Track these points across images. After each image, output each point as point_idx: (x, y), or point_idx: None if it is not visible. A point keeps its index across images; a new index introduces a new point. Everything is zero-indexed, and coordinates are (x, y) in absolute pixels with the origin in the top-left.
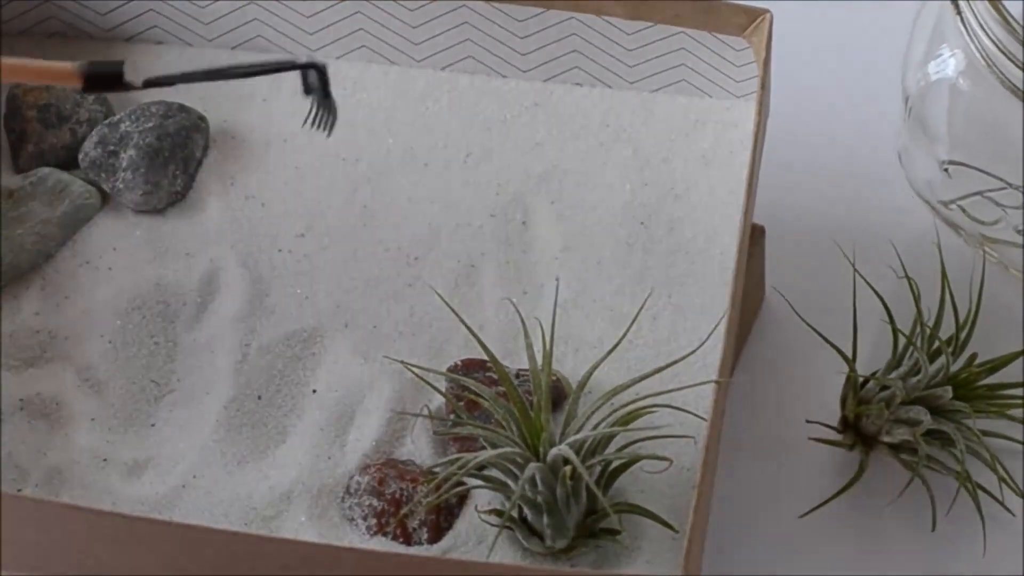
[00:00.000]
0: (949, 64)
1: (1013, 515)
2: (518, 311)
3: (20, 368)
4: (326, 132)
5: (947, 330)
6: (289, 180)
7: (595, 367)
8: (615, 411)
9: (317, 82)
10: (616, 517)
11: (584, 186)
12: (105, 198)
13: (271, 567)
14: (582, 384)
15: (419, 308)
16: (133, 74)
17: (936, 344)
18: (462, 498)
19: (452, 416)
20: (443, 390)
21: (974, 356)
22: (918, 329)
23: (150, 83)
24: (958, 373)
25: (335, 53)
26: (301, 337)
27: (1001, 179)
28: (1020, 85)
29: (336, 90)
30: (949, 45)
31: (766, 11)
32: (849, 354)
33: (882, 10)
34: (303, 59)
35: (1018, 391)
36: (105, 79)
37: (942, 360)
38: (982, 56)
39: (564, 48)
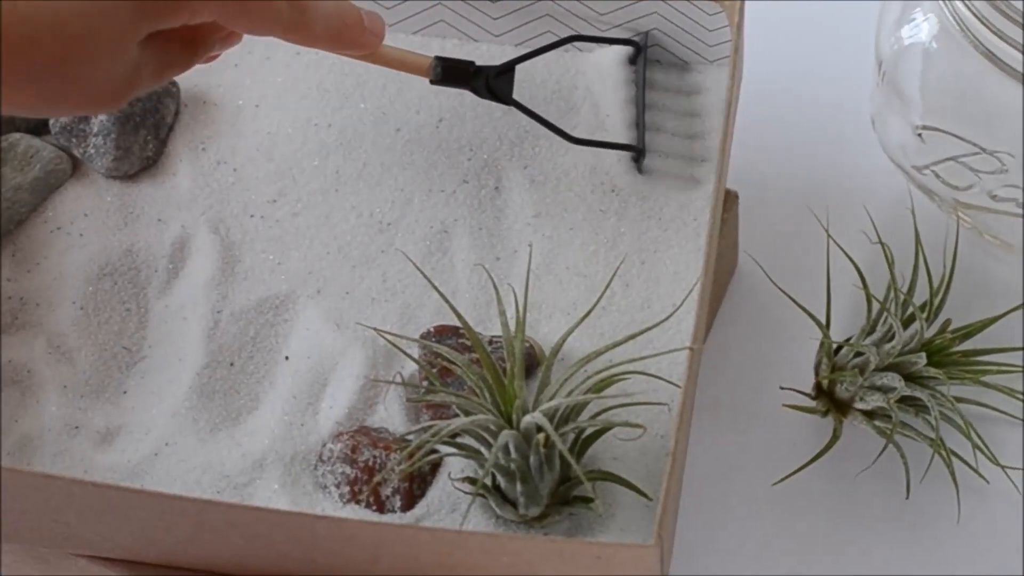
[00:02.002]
0: (922, 28)
1: (987, 482)
2: (491, 277)
3: None
4: None
5: (921, 296)
6: (261, 145)
7: (568, 334)
8: (588, 378)
9: None
10: (589, 484)
11: (557, 152)
12: (76, 164)
13: (244, 535)
14: (555, 351)
15: (392, 274)
16: None
17: (910, 310)
18: (435, 466)
19: (425, 383)
20: (416, 357)
21: (948, 322)
22: (892, 295)
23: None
24: (932, 339)
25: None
26: (273, 303)
27: (975, 144)
28: (993, 49)
29: (308, 54)
30: (922, 9)
31: None
32: (823, 320)
33: None
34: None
35: (992, 357)
36: (456, 74)
37: (916, 326)
38: (955, 20)
39: (535, 12)
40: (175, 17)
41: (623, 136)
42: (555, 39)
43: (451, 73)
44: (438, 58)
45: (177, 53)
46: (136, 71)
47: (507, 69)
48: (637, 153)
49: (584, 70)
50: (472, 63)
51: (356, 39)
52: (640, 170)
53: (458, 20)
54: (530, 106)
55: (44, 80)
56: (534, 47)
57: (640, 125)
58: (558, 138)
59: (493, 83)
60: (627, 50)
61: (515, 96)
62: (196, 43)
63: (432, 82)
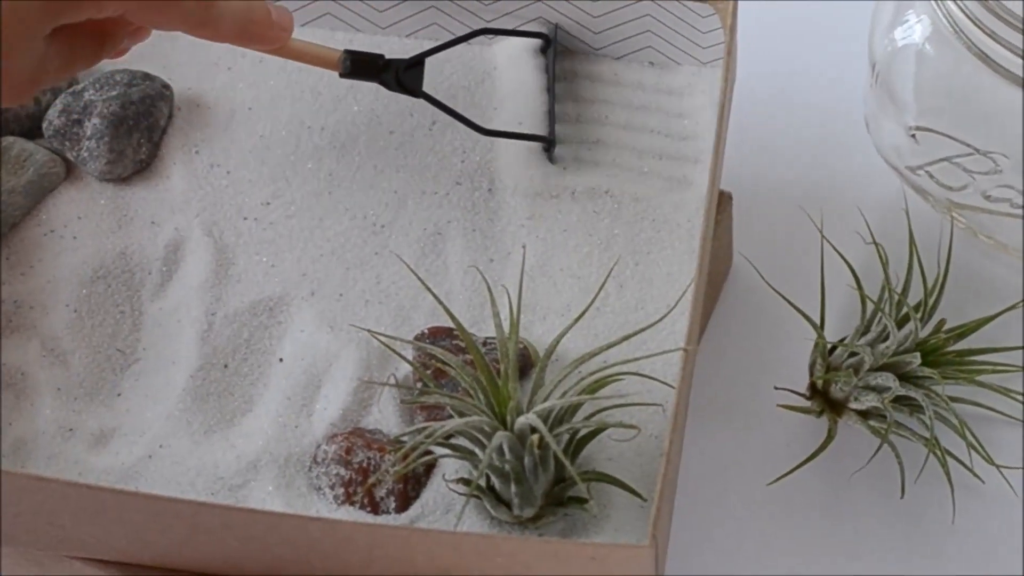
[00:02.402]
0: (916, 30)
1: (982, 481)
2: (485, 279)
3: None
4: None
5: (915, 296)
6: (254, 148)
7: (562, 335)
8: (582, 379)
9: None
10: (584, 485)
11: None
12: (69, 167)
13: (238, 537)
14: (549, 352)
15: (385, 276)
16: None
17: (904, 310)
18: (429, 467)
19: (419, 385)
20: (410, 359)
21: (942, 322)
22: (886, 295)
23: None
24: (926, 339)
25: (299, 20)
26: (267, 306)
27: (968, 144)
28: (986, 51)
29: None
30: (915, 11)
31: None
32: (817, 320)
33: None
34: None
35: (986, 357)
36: (366, 67)
37: (910, 326)
38: (948, 22)
39: (529, 15)
40: (81, 12)
41: (538, 127)
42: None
43: (361, 66)
44: (347, 51)
45: (84, 47)
46: (42, 65)
47: (417, 62)
48: (548, 144)
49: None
50: (381, 56)
51: (264, 34)
52: (551, 160)
53: (449, 21)
54: (441, 99)
55: None
56: (526, 48)
57: (551, 115)
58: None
59: (403, 76)
60: (536, 42)
61: (426, 89)
62: (103, 38)
63: (341, 75)
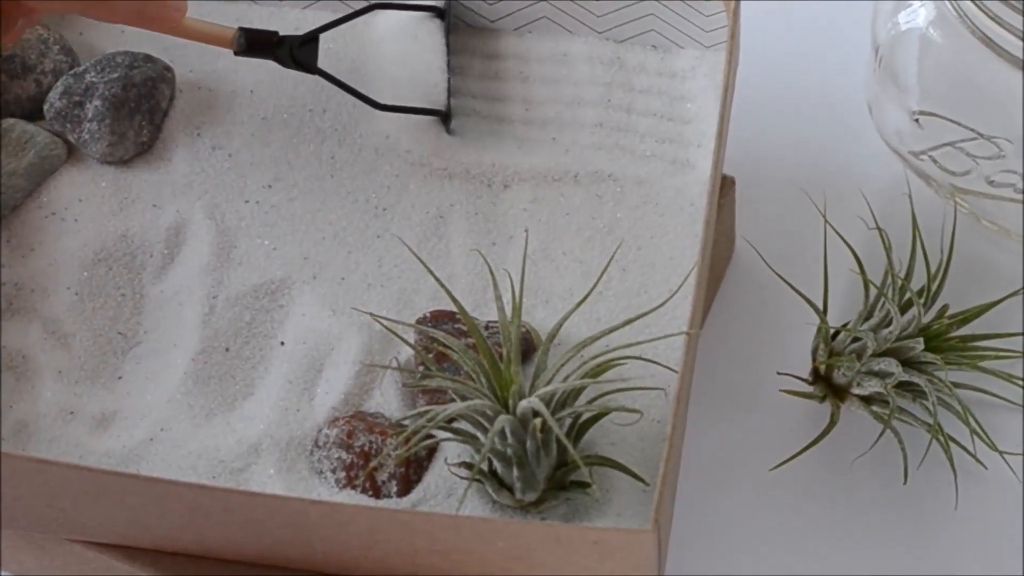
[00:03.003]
0: (919, 14)
1: (985, 467)
2: (487, 262)
3: None
4: None
5: (918, 281)
6: (256, 131)
7: (565, 319)
8: (585, 363)
9: None
10: (586, 470)
11: (553, 137)
12: (71, 149)
13: (239, 520)
14: (552, 336)
15: (387, 259)
16: None
17: (907, 295)
18: (431, 451)
19: (421, 368)
20: (412, 342)
21: (945, 308)
22: (889, 280)
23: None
24: (929, 325)
25: (303, 2)
26: (269, 289)
27: (972, 129)
28: (990, 35)
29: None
30: None
31: None
32: (820, 305)
33: None
34: None
35: (989, 343)
36: (260, 44)
37: (913, 311)
38: (952, 6)
39: None
40: None
41: (438, 101)
42: (551, 24)
43: (255, 44)
44: (241, 29)
45: None
46: None
47: (311, 38)
48: (444, 117)
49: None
50: (276, 33)
51: (158, 14)
52: (448, 132)
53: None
54: (337, 74)
55: None
56: (529, 31)
57: (447, 89)
58: (556, 123)
59: (297, 53)
60: (430, 15)
61: (321, 65)
62: None
63: (236, 53)
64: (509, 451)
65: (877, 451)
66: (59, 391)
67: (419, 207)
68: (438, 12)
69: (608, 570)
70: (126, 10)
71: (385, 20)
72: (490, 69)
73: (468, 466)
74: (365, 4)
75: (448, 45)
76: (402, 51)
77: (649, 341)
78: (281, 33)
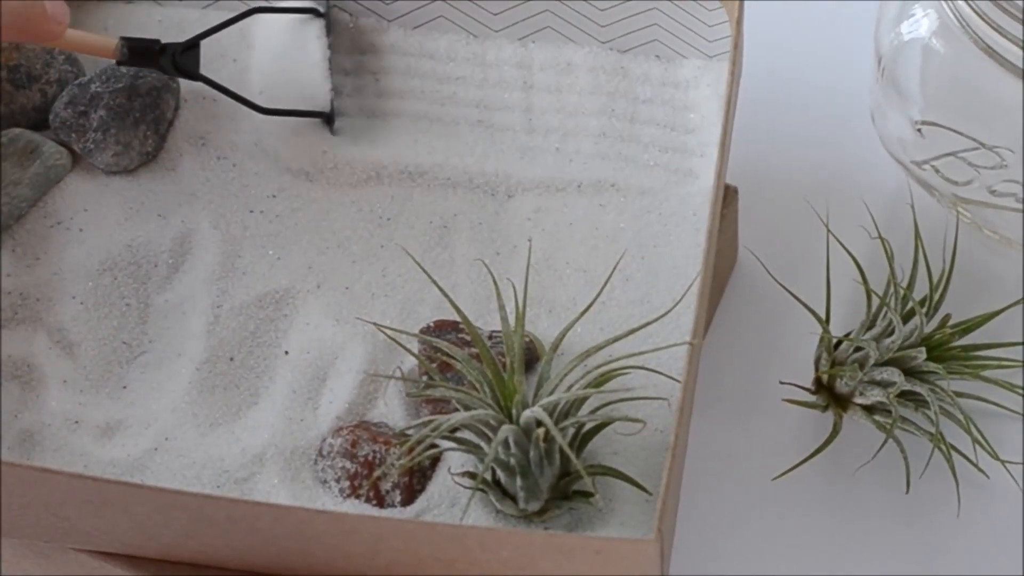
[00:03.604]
0: (922, 24)
1: (987, 477)
2: (491, 272)
3: None
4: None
5: (921, 291)
6: (260, 140)
7: (568, 328)
8: (588, 373)
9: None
10: (589, 479)
11: (557, 147)
12: (76, 158)
13: (243, 529)
14: (555, 346)
15: (391, 269)
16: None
17: (910, 305)
18: (435, 460)
19: (425, 378)
20: (416, 352)
21: (948, 317)
22: (891, 290)
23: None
24: (932, 334)
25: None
26: (273, 298)
27: (974, 139)
28: (993, 45)
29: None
30: (922, 5)
31: None
32: (822, 315)
33: None
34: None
35: (992, 352)
36: (142, 53)
37: (916, 321)
38: (955, 16)
39: (537, 8)
40: None
41: (321, 103)
42: (555, 34)
43: (137, 53)
44: (123, 38)
45: None
46: None
47: (192, 45)
48: (327, 119)
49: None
50: (157, 41)
51: (40, 28)
52: (333, 133)
53: (456, 14)
54: (221, 81)
55: None
56: (534, 40)
57: (330, 90)
58: (559, 132)
59: (180, 60)
60: (310, 17)
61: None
62: None
63: (118, 63)
64: (512, 461)
65: (879, 460)
66: (64, 400)
67: (423, 217)
68: (318, 14)
69: None
70: (8, 26)
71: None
72: (492, 78)
73: (472, 476)
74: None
75: (331, 46)
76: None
77: (652, 351)
78: (164, 41)
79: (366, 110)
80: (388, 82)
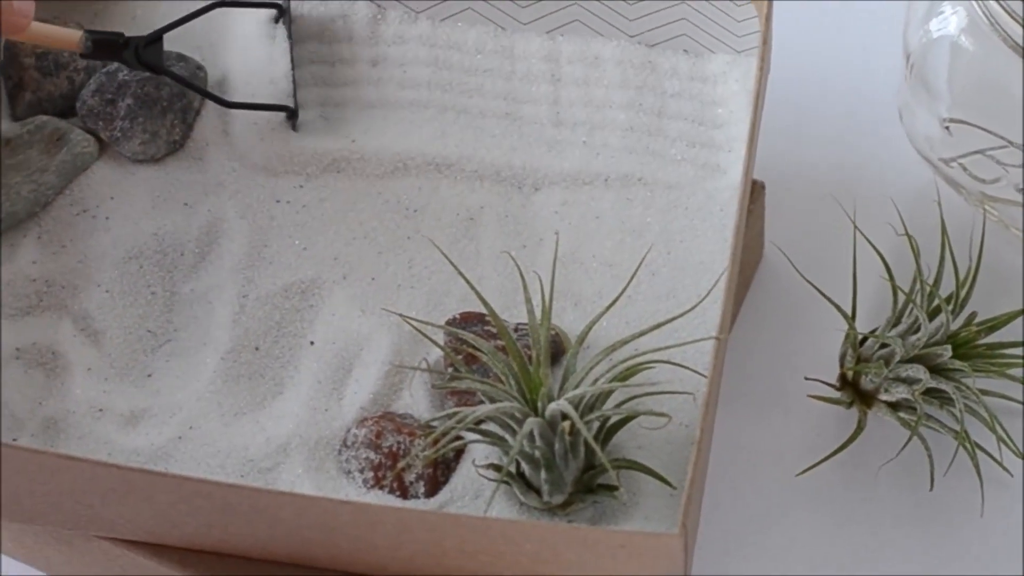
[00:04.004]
0: (951, 21)
1: (1012, 475)
2: (517, 265)
3: (16, 317)
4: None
5: (947, 288)
6: (287, 130)
7: (594, 322)
8: (614, 366)
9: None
10: (614, 473)
11: (584, 140)
12: (103, 147)
13: (267, 519)
14: (581, 339)
15: (418, 261)
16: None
17: (936, 302)
18: (459, 452)
19: (450, 370)
20: (441, 343)
21: (974, 315)
22: (918, 287)
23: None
24: (957, 332)
25: None
26: (299, 288)
27: (1002, 137)
28: (1021, 43)
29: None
30: (951, 2)
31: None
32: (848, 311)
33: None
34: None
35: (1018, 351)
36: (106, 47)
37: (941, 318)
38: (984, 13)
39: (566, 1)
40: None
41: (284, 96)
42: (584, 27)
43: (101, 46)
44: (87, 31)
45: None
46: None
47: (156, 39)
48: (291, 113)
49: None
50: (121, 35)
51: (5, 21)
52: (294, 128)
53: (483, 6)
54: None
55: None
56: (562, 33)
57: (293, 84)
58: (587, 125)
59: (143, 53)
60: (272, 12)
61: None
62: None
63: (82, 56)
64: (537, 453)
65: (903, 457)
66: (89, 388)
67: (449, 209)
68: (279, 9)
69: (635, 573)
70: None
71: (228, 17)
72: (520, 70)
73: (496, 468)
74: (207, 3)
75: (291, 40)
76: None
77: (678, 345)
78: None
79: (392, 102)
80: (416, 74)
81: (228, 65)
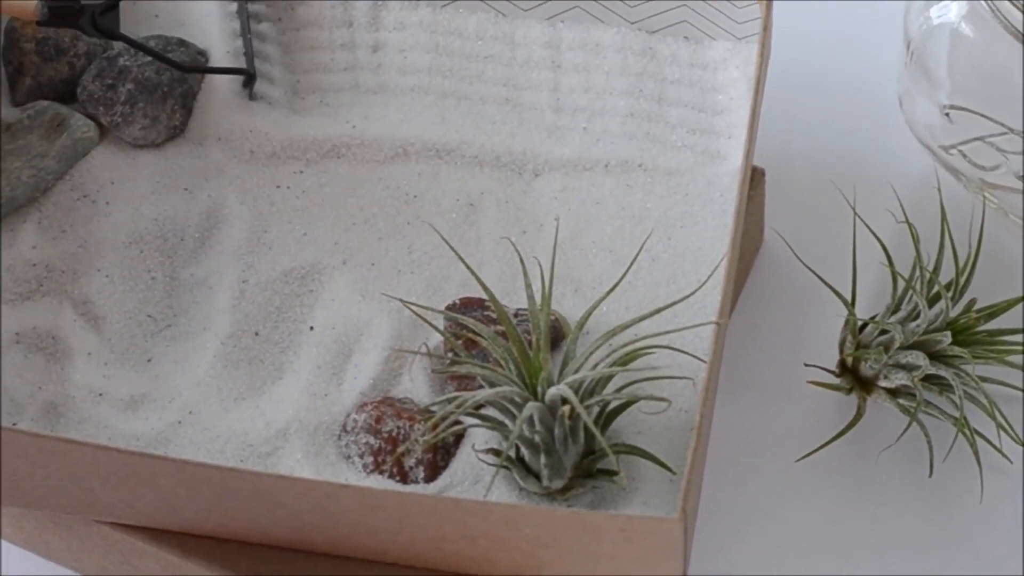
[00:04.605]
0: (951, 8)
1: (1011, 462)
2: (517, 250)
3: (17, 302)
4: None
5: (946, 275)
6: (288, 115)
7: (594, 307)
8: (614, 352)
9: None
10: (614, 457)
11: (584, 127)
12: (103, 132)
13: (267, 503)
14: (581, 324)
15: (417, 246)
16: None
17: (935, 289)
18: (459, 437)
19: (450, 354)
20: (441, 328)
21: (973, 302)
22: (917, 273)
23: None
24: (957, 318)
25: None
26: (299, 274)
27: (1002, 124)
28: (1022, 30)
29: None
30: None
31: None
32: (848, 297)
33: None
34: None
35: (1017, 338)
36: (63, 13)
37: (941, 305)
38: (985, 0)
39: None
40: None
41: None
42: (584, 14)
43: (58, 13)
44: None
45: None
46: None
47: (112, 5)
48: (248, 77)
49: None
50: (77, 1)
51: None
52: (251, 96)
53: None
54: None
55: None
56: (563, 19)
57: (248, 52)
58: (587, 111)
59: (100, 20)
60: None
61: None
62: None
63: (38, 24)
64: (537, 438)
65: (903, 444)
66: (89, 373)
67: (449, 194)
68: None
69: (634, 557)
70: None
71: None
72: (520, 57)
73: (496, 453)
74: None
75: (247, 9)
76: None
77: (678, 330)
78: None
79: (392, 88)
80: (416, 60)
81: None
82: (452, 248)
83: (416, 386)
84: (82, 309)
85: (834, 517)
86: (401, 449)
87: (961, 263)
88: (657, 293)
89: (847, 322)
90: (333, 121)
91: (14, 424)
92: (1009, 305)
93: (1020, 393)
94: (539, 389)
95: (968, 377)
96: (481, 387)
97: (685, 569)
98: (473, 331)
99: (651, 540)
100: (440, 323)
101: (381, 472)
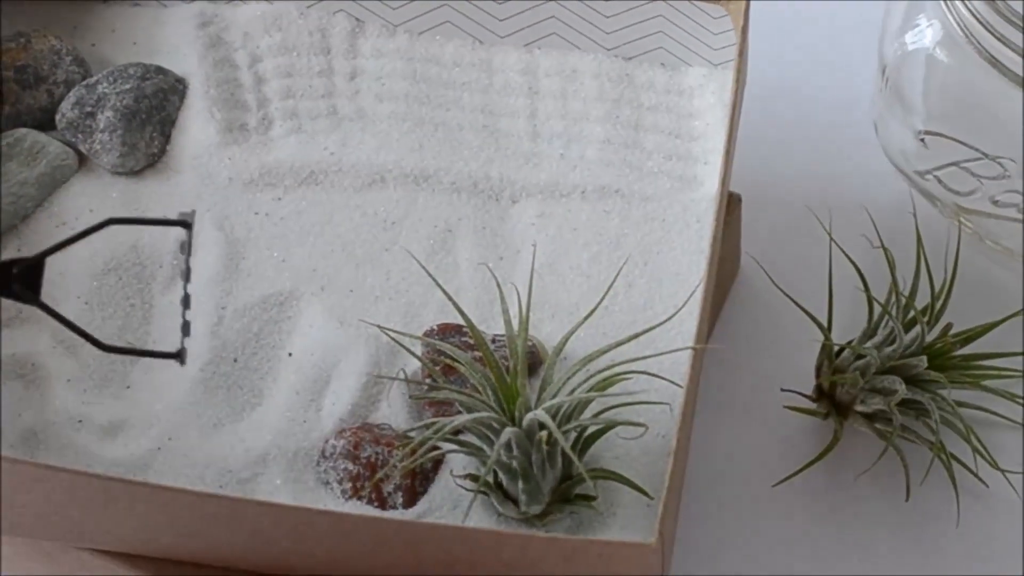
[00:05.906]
0: (926, 34)
1: (987, 486)
2: (494, 276)
3: None
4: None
5: (922, 300)
6: (265, 142)
7: (571, 333)
8: (591, 377)
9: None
10: (591, 483)
11: (561, 153)
12: (82, 159)
13: (246, 529)
14: (558, 350)
15: (395, 272)
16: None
17: (911, 314)
18: (437, 463)
19: (428, 380)
20: (419, 354)
21: (949, 326)
22: (893, 298)
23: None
24: (933, 343)
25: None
26: (277, 300)
27: (977, 149)
28: (996, 55)
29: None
30: (926, 15)
31: None
32: (824, 322)
33: None
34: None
35: (993, 362)
36: None
37: (917, 330)
38: (959, 26)
39: (543, 14)
40: None
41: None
42: (561, 40)
43: None
44: None
45: None
46: None
47: (36, 263)
48: (178, 358)
49: None
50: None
51: None
52: (182, 364)
53: (462, 20)
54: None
55: None
56: (539, 47)
57: (183, 325)
58: (564, 138)
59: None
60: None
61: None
62: None
63: None
64: (515, 463)
65: (879, 468)
66: (68, 399)
67: (427, 221)
68: (186, 226)
69: None
70: None
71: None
72: (497, 83)
73: (474, 478)
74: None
75: (186, 274)
76: None
77: (655, 356)
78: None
79: (369, 114)
80: (393, 86)
81: None
82: (430, 274)
83: (394, 412)
84: (61, 336)
85: (811, 541)
86: (379, 475)
87: (937, 288)
88: (634, 318)
89: (823, 347)
90: (311, 148)
91: None
92: (985, 330)
93: (995, 417)
94: (517, 415)
95: (944, 401)
96: (459, 413)
97: None
98: (451, 357)
99: (629, 564)
100: (418, 349)
101: (360, 498)
